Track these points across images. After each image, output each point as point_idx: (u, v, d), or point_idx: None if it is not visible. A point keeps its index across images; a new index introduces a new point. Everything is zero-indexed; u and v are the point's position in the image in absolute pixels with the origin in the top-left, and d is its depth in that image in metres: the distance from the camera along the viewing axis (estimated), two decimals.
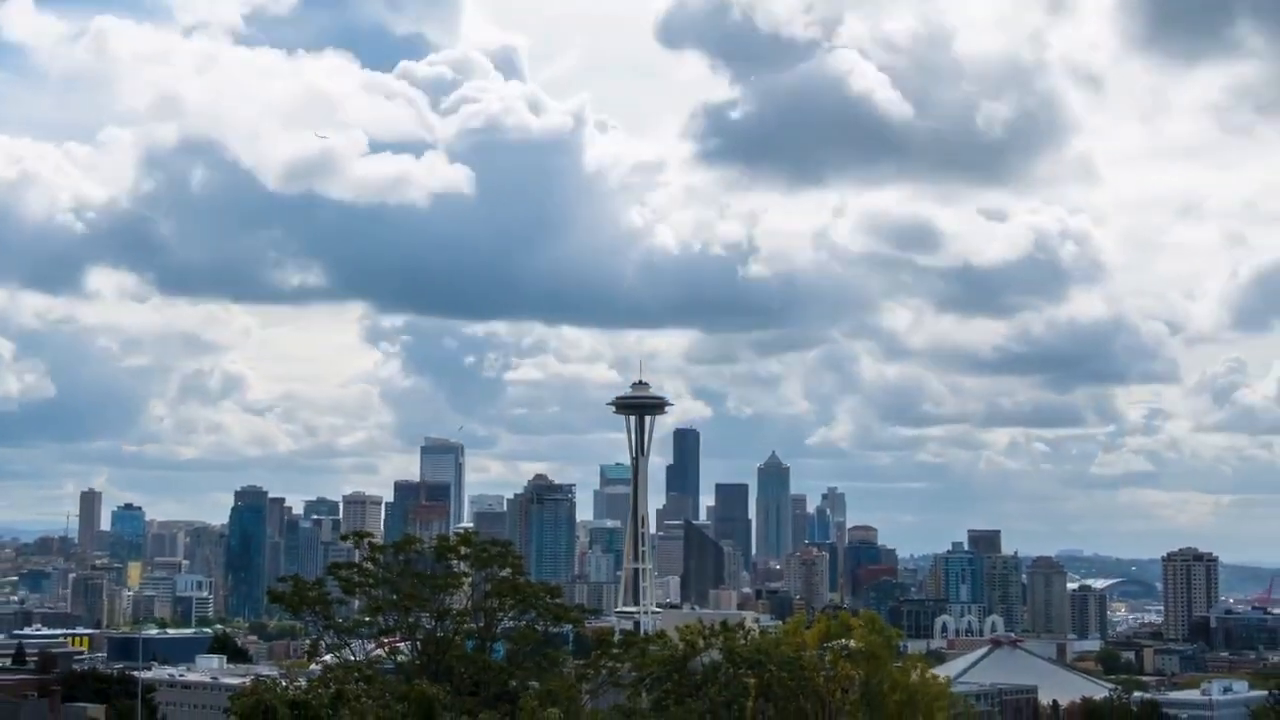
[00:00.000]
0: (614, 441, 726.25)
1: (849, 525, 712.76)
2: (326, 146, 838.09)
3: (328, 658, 73.62)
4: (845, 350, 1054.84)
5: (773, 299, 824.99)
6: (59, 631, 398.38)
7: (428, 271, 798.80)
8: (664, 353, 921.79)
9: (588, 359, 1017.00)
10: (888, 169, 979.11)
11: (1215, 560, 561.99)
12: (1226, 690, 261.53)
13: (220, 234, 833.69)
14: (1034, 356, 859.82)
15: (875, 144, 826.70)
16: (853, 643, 77.33)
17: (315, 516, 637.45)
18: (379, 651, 72.67)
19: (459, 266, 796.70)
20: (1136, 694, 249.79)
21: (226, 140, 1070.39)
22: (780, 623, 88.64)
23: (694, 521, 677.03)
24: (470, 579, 73.59)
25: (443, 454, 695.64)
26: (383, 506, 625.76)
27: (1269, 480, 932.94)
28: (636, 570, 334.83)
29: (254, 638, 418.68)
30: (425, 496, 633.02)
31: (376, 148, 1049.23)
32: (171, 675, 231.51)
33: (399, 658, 71.45)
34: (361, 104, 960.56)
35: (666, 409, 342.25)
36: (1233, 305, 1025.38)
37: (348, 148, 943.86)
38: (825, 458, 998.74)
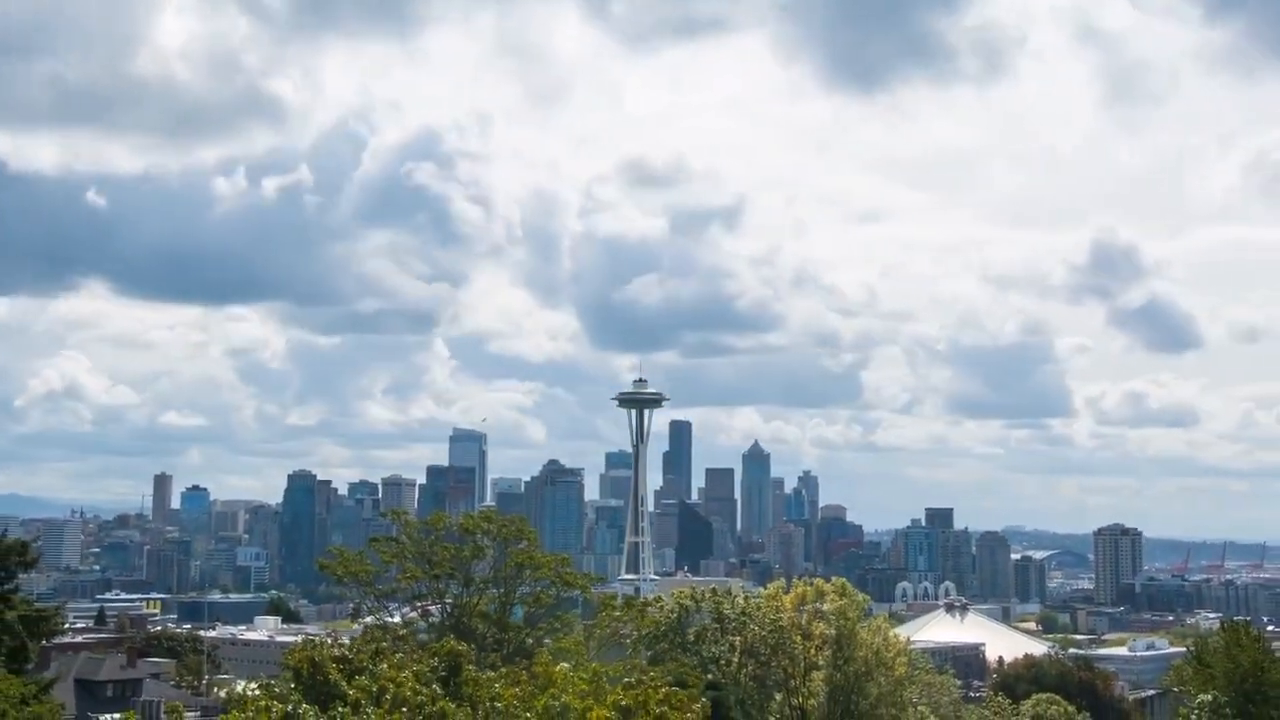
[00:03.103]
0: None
1: (822, 504, 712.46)
2: None
3: (368, 619, 73.71)
4: None
5: None
6: (135, 596, 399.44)
7: None
8: None
9: None
10: None
11: (1140, 534, 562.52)
12: (1150, 647, 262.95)
13: None
14: None
15: None
16: (825, 606, 77.15)
17: (358, 496, 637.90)
18: (413, 614, 72.68)
19: None
20: (1071, 650, 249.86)
21: None
22: (762, 589, 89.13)
23: (687, 501, 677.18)
24: (492, 551, 73.68)
25: (469, 441, 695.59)
26: (416, 488, 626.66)
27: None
28: (637, 543, 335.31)
29: (304, 602, 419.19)
30: (454, 479, 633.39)
31: None
32: (233, 634, 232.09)
33: (430, 620, 71.49)
34: None
35: (663, 403, 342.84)
36: None
37: None
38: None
